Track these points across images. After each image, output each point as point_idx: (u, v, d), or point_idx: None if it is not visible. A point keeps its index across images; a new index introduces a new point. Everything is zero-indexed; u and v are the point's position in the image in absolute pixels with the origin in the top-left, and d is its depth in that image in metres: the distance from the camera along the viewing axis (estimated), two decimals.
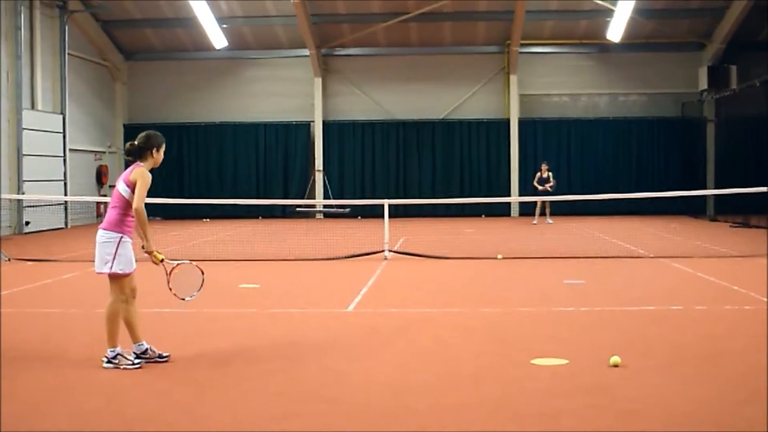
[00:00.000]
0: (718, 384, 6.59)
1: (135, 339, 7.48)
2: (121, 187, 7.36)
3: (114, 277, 7.38)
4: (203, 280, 7.72)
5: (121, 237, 7.34)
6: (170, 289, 7.60)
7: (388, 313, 10.13)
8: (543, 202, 26.21)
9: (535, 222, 26.23)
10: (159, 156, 7.54)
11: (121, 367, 7.24)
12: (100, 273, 7.41)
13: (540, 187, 25.88)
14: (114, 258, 7.29)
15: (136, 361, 7.35)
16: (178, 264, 7.67)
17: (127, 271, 7.38)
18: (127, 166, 7.65)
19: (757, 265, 14.82)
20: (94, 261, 7.42)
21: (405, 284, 13.02)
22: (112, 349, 7.32)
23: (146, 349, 7.48)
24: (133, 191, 7.30)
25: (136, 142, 7.51)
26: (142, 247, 7.42)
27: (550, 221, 26.18)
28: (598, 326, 9.22)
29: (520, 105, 31.26)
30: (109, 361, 7.29)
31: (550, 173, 26.00)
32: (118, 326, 7.39)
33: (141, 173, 7.32)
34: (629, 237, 20.56)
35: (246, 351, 8.04)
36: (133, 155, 7.49)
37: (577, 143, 31.34)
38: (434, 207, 29.33)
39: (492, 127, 31.43)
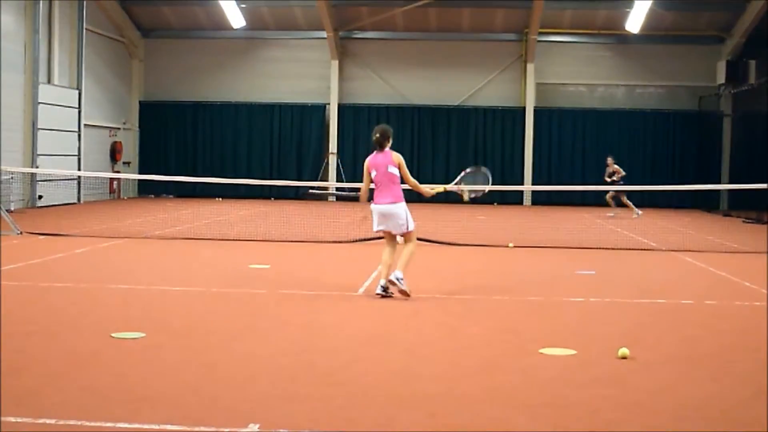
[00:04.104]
0: (725, 380, 6.56)
1: (394, 269, 10.04)
2: (392, 169, 10.06)
3: (410, 232, 10.15)
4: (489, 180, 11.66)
5: (405, 203, 10.12)
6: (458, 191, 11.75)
7: (397, 298, 10.13)
8: (620, 196, 25.38)
9: (640, 213, 25.06)
10: (390, 141, 10.19)
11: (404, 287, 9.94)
12: (403, 233, 10.15)
13: (609, 180, 24.91)
14: (407, 219, 10.06)
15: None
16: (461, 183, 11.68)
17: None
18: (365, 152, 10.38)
19: None
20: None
21: (415, 270, 12.94)
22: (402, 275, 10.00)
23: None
24: (398, 169, 10.08)
25: (378, 135, 10.12)
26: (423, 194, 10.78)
27: (639, 213, 25.05)
28: (609, 317, 9.21)
29: (536, 94, 31.18)
30: (398, 280, 9.92)
31: (616, 166, 24.95)
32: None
33: (400, 157, 10.16)
34: (642, 229, 20.48)
35: (255, 331, 8.06)
36: (379, 144, 10.13)
37: (593, 134, 31.20)
38: (447, 193, 29.23)
39: (507, 115, 31.36)
